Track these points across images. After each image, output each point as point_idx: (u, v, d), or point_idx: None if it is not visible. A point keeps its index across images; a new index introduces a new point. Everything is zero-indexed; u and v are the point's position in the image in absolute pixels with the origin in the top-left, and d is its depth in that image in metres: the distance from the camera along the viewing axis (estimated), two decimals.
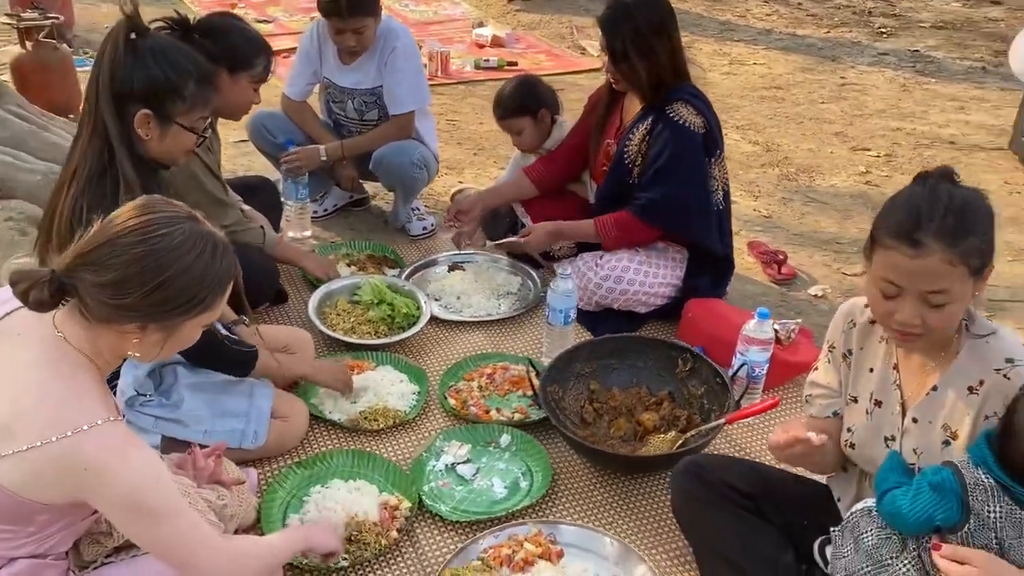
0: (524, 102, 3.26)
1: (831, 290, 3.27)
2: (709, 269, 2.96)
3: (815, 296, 3.24)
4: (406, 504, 2.11)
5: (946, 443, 1.57)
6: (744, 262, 3.44)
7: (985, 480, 1.43)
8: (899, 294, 1.47)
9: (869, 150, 4.66)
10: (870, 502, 1.65)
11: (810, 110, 5.28)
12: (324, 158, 3.30)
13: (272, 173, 3.53)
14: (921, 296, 1.45)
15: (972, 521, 1.42)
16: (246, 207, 2.87)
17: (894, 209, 1.49)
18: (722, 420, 2.19)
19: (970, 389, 1.55)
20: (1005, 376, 1.51)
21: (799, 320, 2.76)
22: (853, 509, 1.68)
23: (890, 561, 1.54)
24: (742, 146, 4.70)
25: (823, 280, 3.35)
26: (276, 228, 3.16)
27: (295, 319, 2.89)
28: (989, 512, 1.41)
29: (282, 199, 3.33)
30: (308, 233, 3.44)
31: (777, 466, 2.02)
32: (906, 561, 1.52)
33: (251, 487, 2.07)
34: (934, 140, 4.80)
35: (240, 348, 2.19)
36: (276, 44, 2.79)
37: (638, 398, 2.46)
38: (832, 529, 1.71)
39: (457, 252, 3.25)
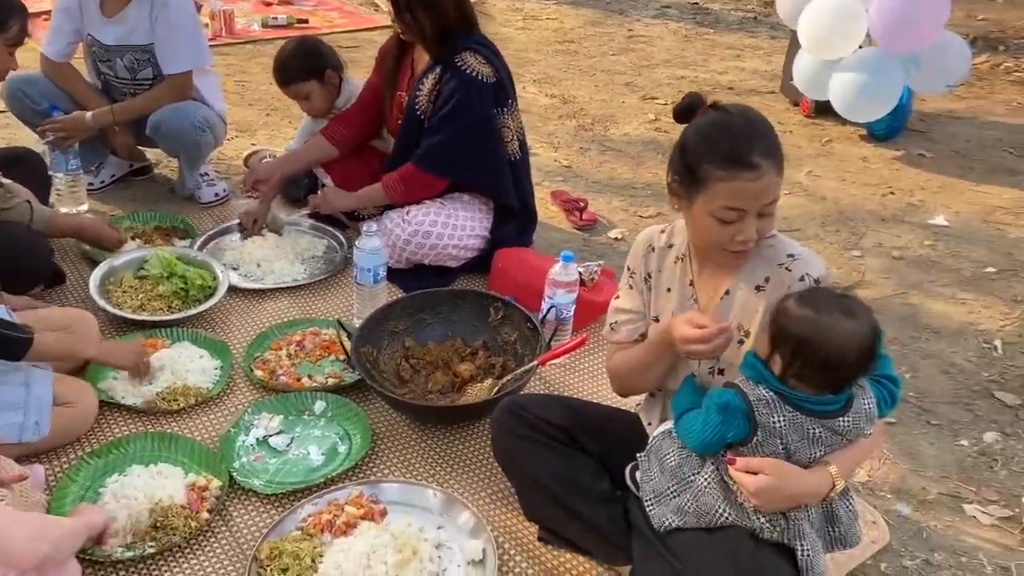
0: (307, 65, 3.12)
1: (629, 233, 3.40)
2: (514, 219, 2.99)
3: (615, 239, 3.36)
4: (216, 483, 1.99)
5: (740, 342, 1.66)
6: (548, 211, 3.51)
7: (766, 394, 1.53)
8: (740, 217, 1.54)
9: (657, 98, 4.88)
10: (670, 424, 1.73)
11: (601, 62, 5.44)
12: (92, 124, 3.01)
13: (39, 144, 3.18)
14: (757, 212, 1.54)
15: (760, 433, 1.52)
16: (6, 180, 2.57)
17: (712, 143, 1.54)
18: (535, 363, 2.23)
19: (757, 288, 1.65)
20: (787, 268, 1.62)
21: (601, 262, 2.85)
22: (655, 433, 1.76)
23: (692, 478, 1.63)
24: (540, 99, 4.78)
25: (621, 224, 3.48)
26: (45, 204, 2.86)
27: (76, 301, 2.64)
28: (775, 423, 1.51)
29: (50, 172, 3.02)
30: (84, 207, 3.14)
31: (590, 401, 2.08)
32: (706, 476, 1.60)
33: (37, 484, 1.88)
34: (715, 87, 5.10)
35: (10, 331, 1.97)
36: (33, 7, 2.51)
37: (454, 350, 2.46)
38: (639, 455, 1.79)
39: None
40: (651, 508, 1.68)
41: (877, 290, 3.09)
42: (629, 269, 1.85)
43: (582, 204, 3.49)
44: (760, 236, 1.58)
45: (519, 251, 2.89)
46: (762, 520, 1.56)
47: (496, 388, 2.26)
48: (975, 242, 3.44)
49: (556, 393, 2.41)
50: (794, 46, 4.39)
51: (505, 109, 2.84)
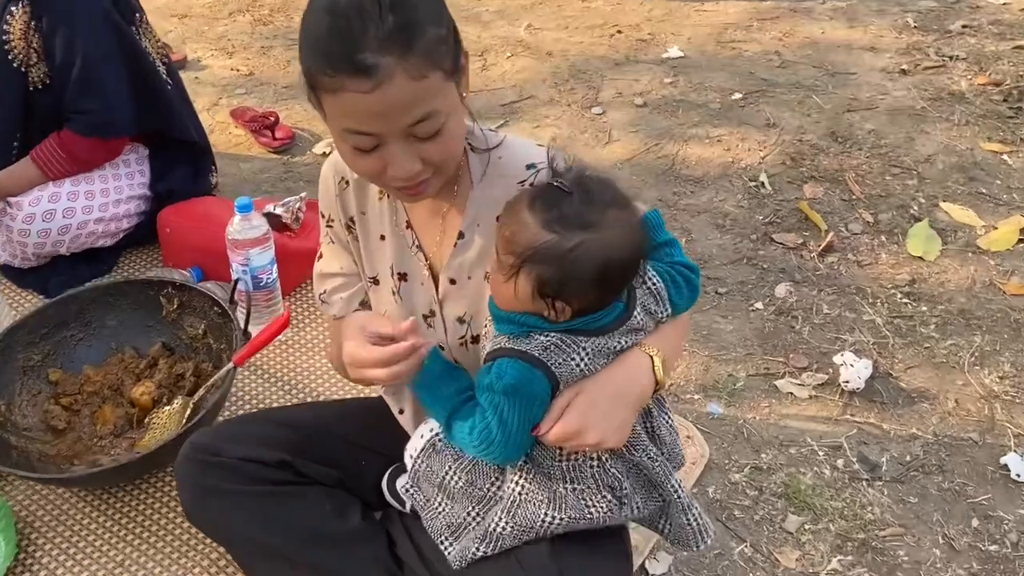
0: None
1: None
2: (182, 160, 2.29)
3: (323, 155, 2.73)
4: None
5: None
6: (231, 137, 2.81)
7: (549, 340, 1.08)
8: (378, 143, 1.01)
9: None
10: (426, 431, 1.24)
11: None
12: None
13: None
14: (405, 134, 1.00)
15: (562, 385, 1.09)
16: None
17: (309, 37, 0.99)
18: (230, 364, 1.63)
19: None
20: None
21: (304, 194, 2.23)
22: (413, 454, 1.26)
23: (493, 490, 1.17)
24: None
25: (328, 134, 2.85)
26: None
27: None
28: (576, 364, 1.08)
29: None
30: None
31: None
32: (516, 481, 1.14)
33: None
34: None
35: None
36: None
37: (123, 369, 1.80)
38: (402, 486, 1.29)
39: None
40: (450, 549, 1.21)
41: (628, 147, 2.71)
42: (324, 217, 1.30)
43: (272, 119, 2.80)
44: (438, 165, 1.06)
45: (191, 204, 2.20)
46: (607, 499, 1.14)
47: (189, 408, 1.66)
48: (715, 68, 3.14)
49: (290, 392, 1.84)
50: None
51: (136, 27, 2.12)
